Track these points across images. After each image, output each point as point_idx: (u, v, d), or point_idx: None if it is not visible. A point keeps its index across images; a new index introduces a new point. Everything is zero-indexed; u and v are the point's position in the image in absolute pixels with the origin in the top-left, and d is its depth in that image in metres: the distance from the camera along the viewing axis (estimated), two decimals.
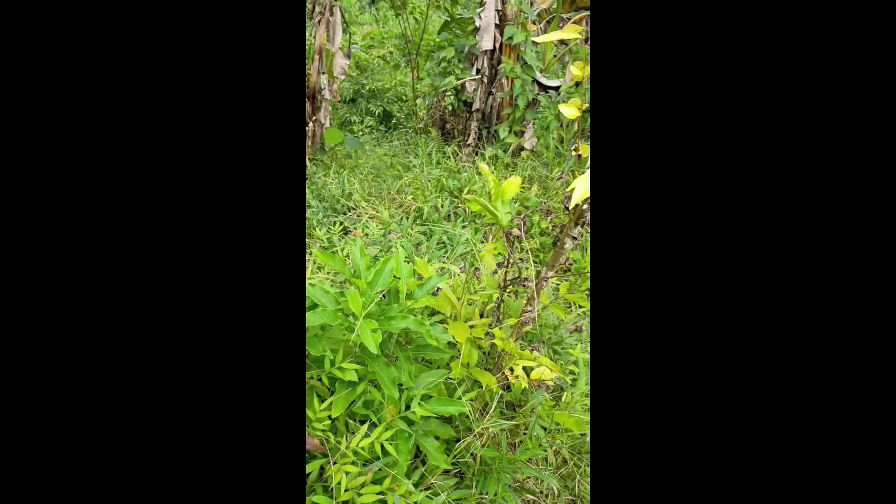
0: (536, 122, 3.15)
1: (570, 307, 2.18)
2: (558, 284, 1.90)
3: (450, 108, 3.47)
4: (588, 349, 1.79)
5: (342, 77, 3.15)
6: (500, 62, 3.16)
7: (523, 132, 3.26)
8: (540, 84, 3.24)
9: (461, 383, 1.25)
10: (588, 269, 1.09)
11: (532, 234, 2.52)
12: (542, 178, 2.91)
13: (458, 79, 3.30)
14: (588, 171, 0.82)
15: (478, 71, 3.28)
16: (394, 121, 3.96)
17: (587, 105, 0.89)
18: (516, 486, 1.43)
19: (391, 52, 4.63)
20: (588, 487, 1.51)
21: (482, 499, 1.22)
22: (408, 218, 2.57)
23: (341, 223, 2.50)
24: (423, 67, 3.98)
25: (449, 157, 3.21)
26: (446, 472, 1.25)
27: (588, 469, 1.53)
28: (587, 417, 1.42)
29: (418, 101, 3.89)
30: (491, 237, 2.45)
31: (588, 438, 1.54)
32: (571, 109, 0.83)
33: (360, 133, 3.68)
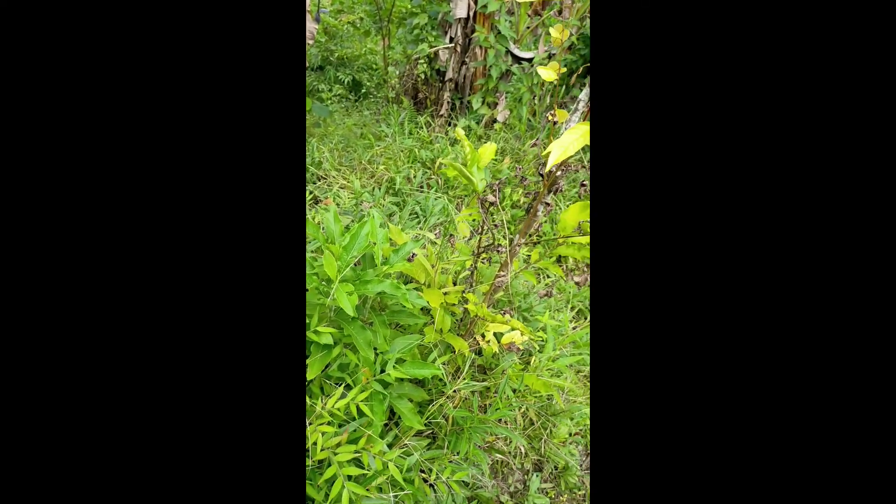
0: (509, 94, 3.14)
1: (539, 275, 2.24)
2: (529, 254, 1.93)
3: (422, 76, 3.41)
4: (556, 316, 1.85)
5: (310, 42, 3.03)
6: (473, 31, 3.12)
7: (496, 104, 3.25)
8: (513, 55, 3.21)
9: (435, 347, 1.28)
10: (558, 237, 1.12)
11: (503, 206, 2.54)
12: (514, 151, 2.92)
13: (431, 46, 3.23)
14: (563, 137, 0.83)
15: (451, 39, 3.22)
16: (364, 90, 3.86)
17: (564, 70, 0.90)
18: (486, 446, 1.48)
19: (361, 19, 4.48)
20: (552, 448, 1.58)
21: (454, 458, 1.26)
22: (380, 188, 2.54)
23: (311, 192, 2.45)
24: (395, 35, 3.87)
25: (421, 128, 3.17)
26: (419, 432, 1.28)
27: (553, 430, 1.60)
28: (554, 381, 1.48)
29: (390, 69, 3.80)
30: (464, 207, 2.46)
31: (554, 401, 1.61)
32: (550, 72, 0.84)
33: (329, 102, 3.58)
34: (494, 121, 3.26)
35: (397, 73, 3.78)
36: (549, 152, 0.83)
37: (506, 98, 3.19)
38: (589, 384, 1.83)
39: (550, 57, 3.09)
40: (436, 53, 3.32)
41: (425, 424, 1.26)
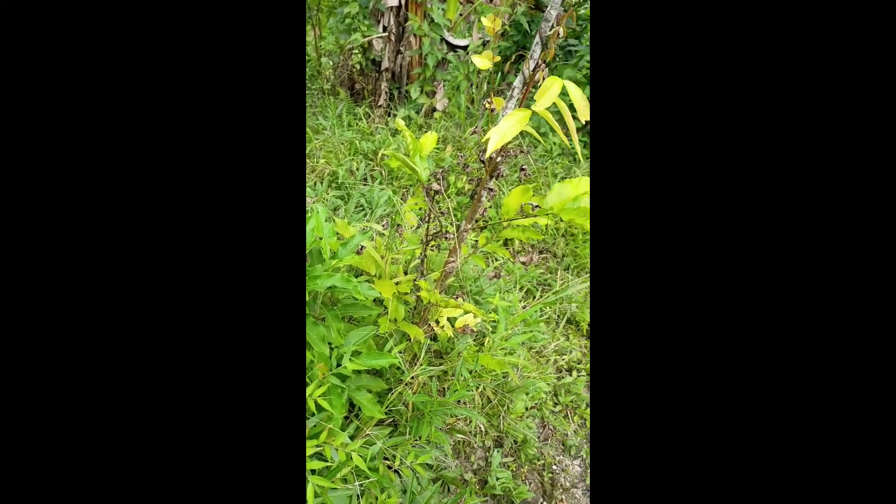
0: (447, 82, 3.15)
1: (488, 259, 2.29)
2: (476, 239, 1.98)
3: (358, 67, 3.35)
4: (506, 297, 1.91)
5: None
6: (406, 19, 3.09)
7: (435, 92, 3.26)
8: (448, 43, 3.23)
9: (390, 336, 1.29)
10: (503, 221, 1.16)
11: (449, 194, 2.58)
12: (455, 139, 2.95)
13: (364, 36, 3.18)
14: (500, 123, 0.86)
15: (384, 28, 3.19)
16: None
17: (498, 58, 0.93)
18: (447, 428, 1.52)
19: None
20: (511, 423, 1.65)
21: (416, 443, 1.29)
22: (322, 182, 2.49)
23: None
24: (326, 25, 3.77)
25: (360, 119, 3.12)
26: (381, 421, 1.30)
27: (510, 406, 1.67)
28: (508, 359, 1.54)
29: (323, 60, 3.70)
30: (409, 197, 2.46)
31: (509, 378, 1.67)
32: (484, 61, 0.86)
33: None
34: (434, 109, 3.27)
35: (331, 63, 3.69)
36: (488, 139, 0.86)
37: (444, 86, 3.21)
38: (544, 361, 1.91)
39: (485, 44, 3.13)
40: (370, 43, 3.27)
41: (386, 413, 1.28)
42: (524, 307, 2.02)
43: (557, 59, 4.19)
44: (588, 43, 3.83)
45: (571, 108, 0.84)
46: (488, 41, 3.10)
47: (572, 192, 1.01)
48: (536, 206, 1.03)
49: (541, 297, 2.15)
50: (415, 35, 3.11)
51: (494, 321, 1.70)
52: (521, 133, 2.99)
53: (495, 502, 1.51)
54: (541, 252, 2.54)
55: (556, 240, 2.56)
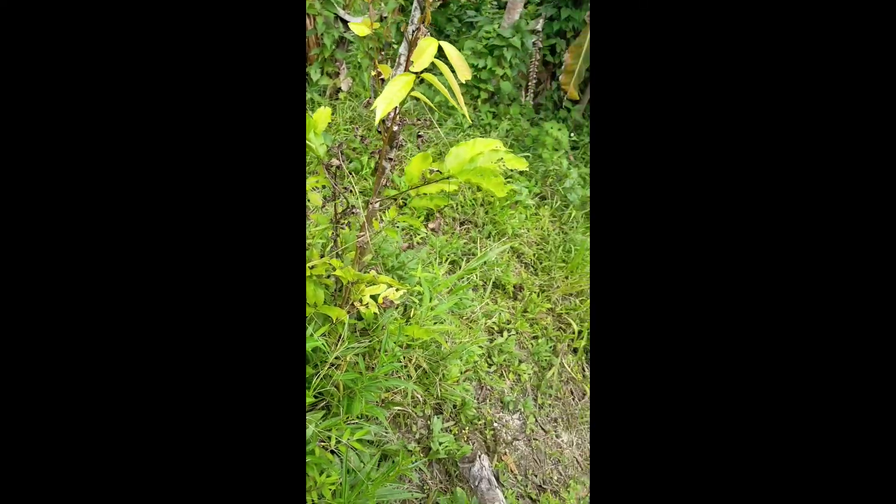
0: (348, 61, 3.07)
1: (410, 234, 2.31)
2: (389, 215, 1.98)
3: None
4: (429, 269, 1.94)
5: None
6: None
7: (338, 73, 3.16)
8: (345, 21, 3.13)
9: (311, 322, 1.27)
10: (408, 189, 1.17)
11: (363, 175, 2.54)
12: (364, 118, 2.90)
13: None
14: (386, 89, 0.86)
15: None
16: None
17: (377, 25, 0.92)
18: (383, 402, 1.54)
19: None
20: (447, 388, 1.70)
21: (352, 421, 1.29)
22: None
23: None
24: None
25: None
26: (313, 406, 1.28)
27: (445, 373, 1.71)
28: (437, 327, 1.57)
29: None
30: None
31: (441, 347, 1.71)
32: (362, 27, 0.85)
33: None
34: (339, 90, 3.18)
35: None
36: (375, 107, 0.85)
37: (346, 66, 3.12)
38: (475, 325, 1.97)
39: (382, 20, 3.07)
40: None
41: (316, 396, 1.27)
42: (447, 276, 2.06)
43: (460, 32, 4.21)
44: (487, 14, 3.89)
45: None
46: (386, 17, 3.04)
47: (469, 154, 1.03)
48: (437, 171, 1.05)
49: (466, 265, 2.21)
50: (308, 14, 2.98)
51: (420, 293, 1.73)
52: (429, 109, 2.99)
53: (440, 466, 1.56)
54: (462, 223, 2.59)
55: (476, 209, 2.62)
